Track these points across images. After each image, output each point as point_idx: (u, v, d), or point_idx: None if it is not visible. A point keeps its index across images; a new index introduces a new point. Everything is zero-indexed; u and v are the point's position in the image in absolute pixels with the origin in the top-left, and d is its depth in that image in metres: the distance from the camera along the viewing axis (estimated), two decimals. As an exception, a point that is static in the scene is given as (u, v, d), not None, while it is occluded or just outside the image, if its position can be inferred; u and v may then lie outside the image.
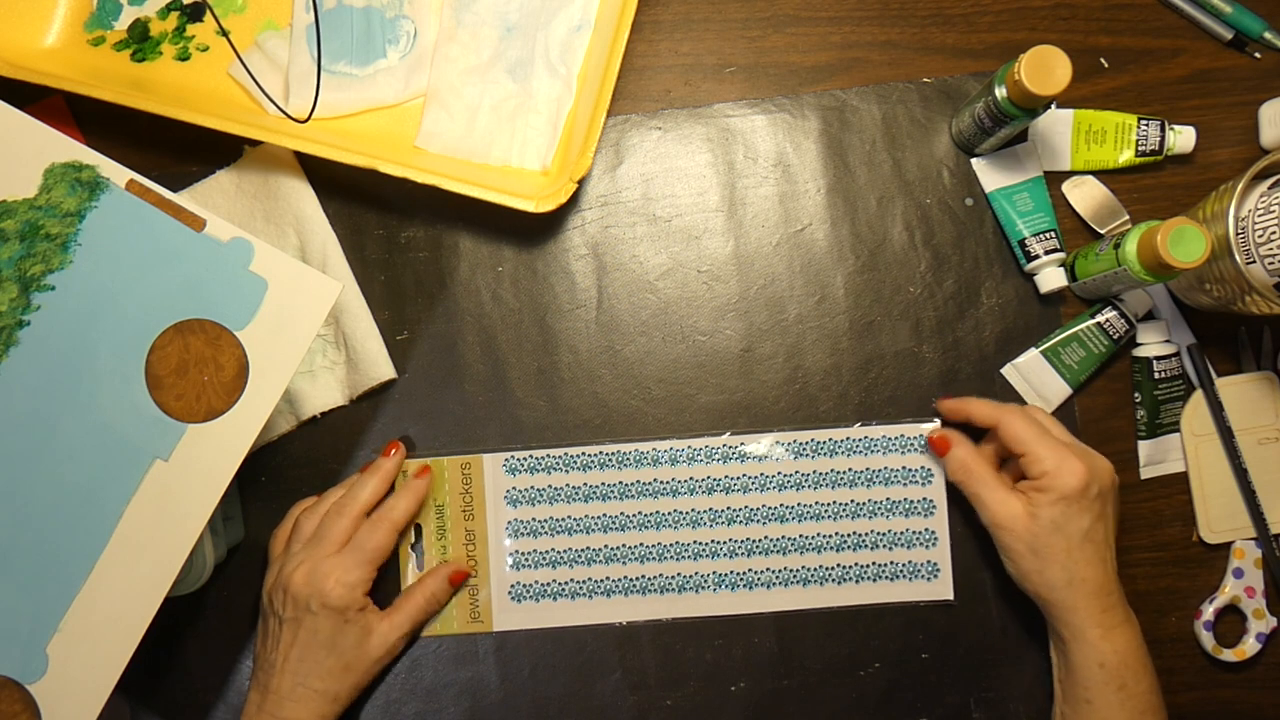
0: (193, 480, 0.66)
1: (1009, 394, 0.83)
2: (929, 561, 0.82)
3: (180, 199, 0.68)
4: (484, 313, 0.84)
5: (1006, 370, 0.83)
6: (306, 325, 0.68)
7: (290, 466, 0.84)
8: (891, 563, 0.82)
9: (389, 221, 0.85)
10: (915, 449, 0.83)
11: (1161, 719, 0.74)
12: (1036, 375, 0.82)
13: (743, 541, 0.83)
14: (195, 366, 0.67)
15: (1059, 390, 0.83)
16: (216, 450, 0.67)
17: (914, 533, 0.82)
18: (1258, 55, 0.85)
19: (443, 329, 0.84)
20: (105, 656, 0.66)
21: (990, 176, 0.84)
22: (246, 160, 0.84)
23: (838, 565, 0.82)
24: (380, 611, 0.79)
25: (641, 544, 0.83)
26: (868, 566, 0.82)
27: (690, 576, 0.83)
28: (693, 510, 0.83)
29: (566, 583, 0.83)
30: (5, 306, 0.66)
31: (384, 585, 0.82)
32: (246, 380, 0.67)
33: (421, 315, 0.85)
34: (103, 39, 0.85)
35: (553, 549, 0.83)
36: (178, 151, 0.85)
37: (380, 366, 0.83)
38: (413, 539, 0.83)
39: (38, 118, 0.68)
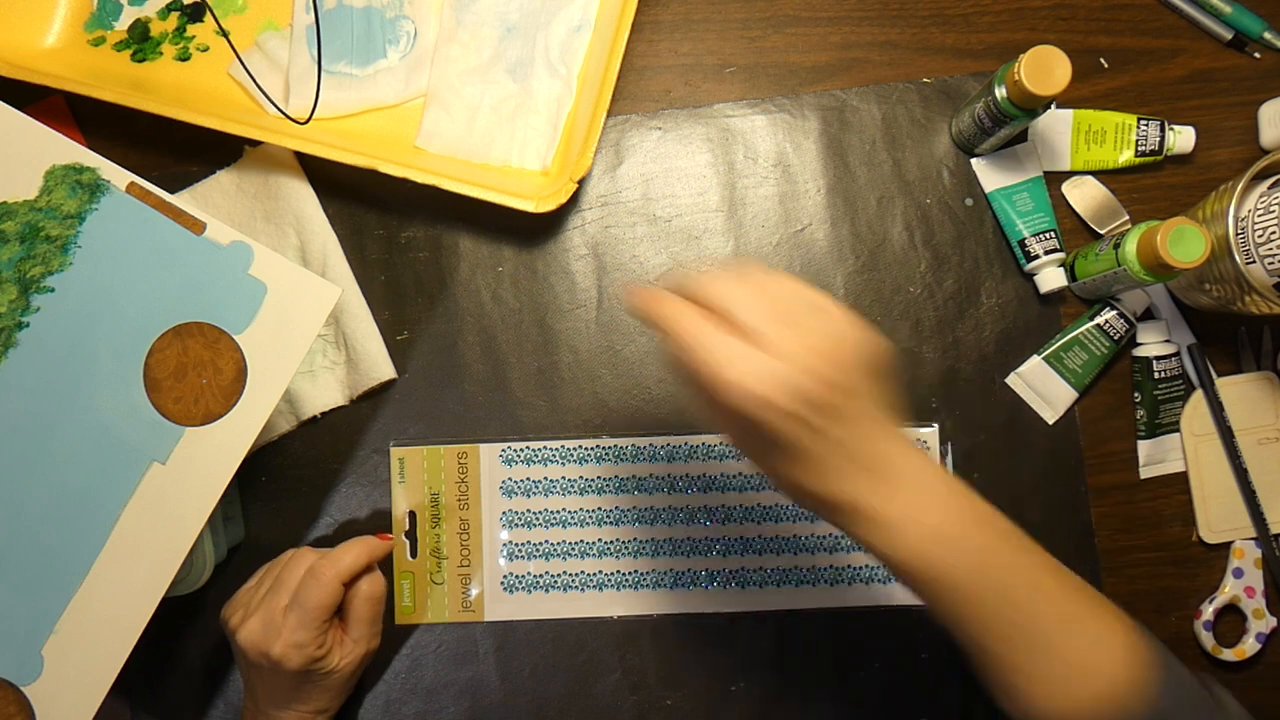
0: (190, 483, 0.67)
1: (1012, 401, 0.83)
2: (926, 563, 0.82)
3: (180, 200, 0.69)
4: (484, 313, 0.85)
5: (1011, 379, 0.83)
6: (305, 329, 0.68)
7: (290, 466, 0.84)
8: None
9: (389, 221, 0.85)
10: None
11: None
12: (1041, 381, 0.82)
13: (737, 540, 0.83)
14: (194, 370, 0.67)
15: (1065, 395, 0.82)
16: (214, 453, 0.67)
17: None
18: (1257, 55, 0.85)
19: (443, 329, 0.84)
20: (101, 658, 0.66)
21: (990, 176, 0.84)
22: (246, 160, 0.84)
23: (830, 567, 0.82)
24: (335, 630, 0.75)
25: (635, 539, 0.83)
26: (860, 569, 0.82)
27: (684, 573, 0.83)
28: (688, 507, 0.83)
29: (560, 575, 0.83)
30: (4, 308, 0.66)
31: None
32: (245, 384, 0.67)
33: (421, 315, 0.85)
34: (103, 39, 0.85)
35: (546, 541, 0.83)
36: (178, 151, 0.85)
37: (380, 366, 0.83)
38: (407, 526, 0.83)
39: (38, 119, 0.69)
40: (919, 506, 0.58)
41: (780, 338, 0.53)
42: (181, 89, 0.85)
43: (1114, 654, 0.58)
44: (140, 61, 0.85)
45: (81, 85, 0.78)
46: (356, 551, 0.74)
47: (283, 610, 0.71)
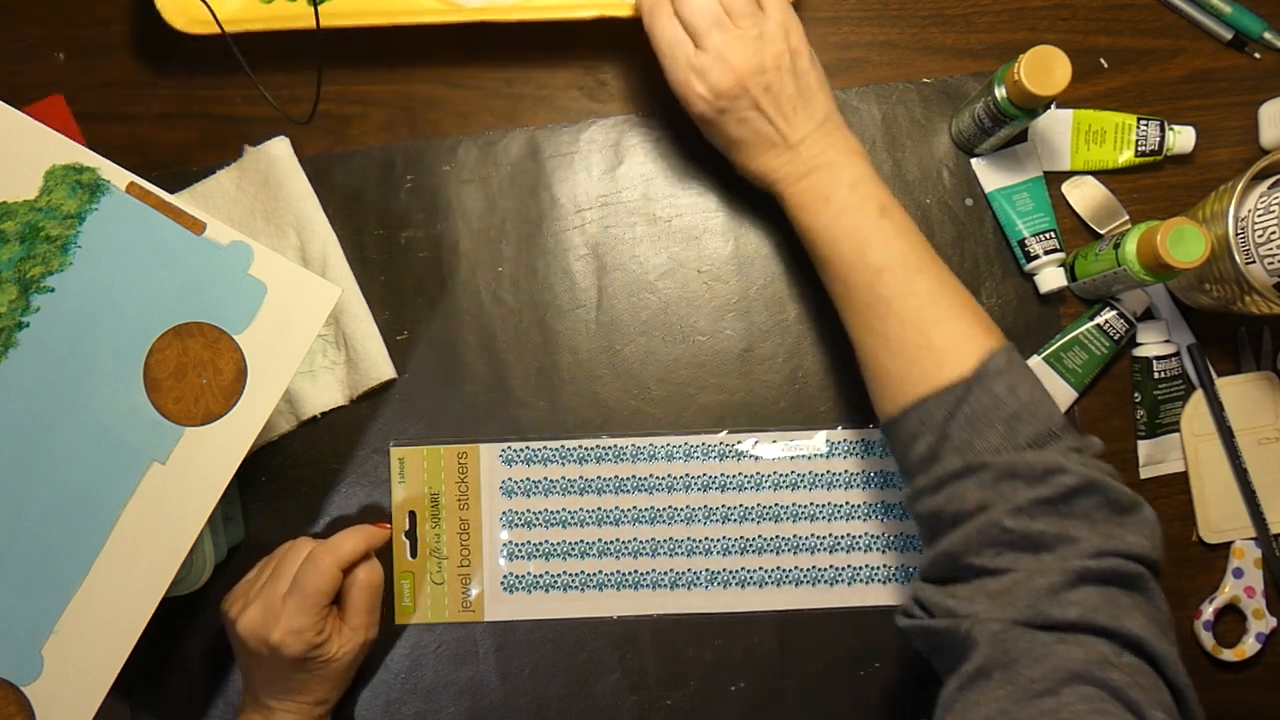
0: (190, 483, 0.67)
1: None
2: (923, 565, 0.83)
3: (180, 200, 0.68)
4: (484, 313, 0.85)
5: (1010, 378, 0.83)
6: (305, 329, 0.68)
7: (290, 466, 0.84)
8: (885, 565, 0.82)
9: (389, 221, 0.85)
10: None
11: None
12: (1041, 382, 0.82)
13: (737, 540, 0.83)
14: (194, 370, 0.67)
15: (1065, 395, 0.82)
16: (214, 453, 0.67)
17: (908, 536, 0.83)
18: (1257, 55, 0.85)
19: (443, 329, 0.84)
20: (101, 658, 0.66)
21: (990, 176, 0.84)
22: (246, 160, 0.84)
23: (830, 567, 0.82)
24: (333, 619, 0.75)
25: (636, 539, 0.83)
26: (860, 569, 0.82)
27: (684, 573, 0.83)
28: (688, 507, 0.83)
29: (560, 575, 0.83)
30: (4, 308, 0.66)
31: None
32: (245, 384, 0.67)
33: (421, 315, 0.85)
34: None
35: (546, 541, 0.83)
36: (178, 151, 0.85)
37: (380, 366, 0.83)
38: (407, 526, 0.83)
39: (38, 119, 0.69)
40: (826, 184, 0.71)
41: (713, 42, 0.71)
42: (367, 11, 0.82)
43: (969, 348, 0.65)
44: (322, 1, 0.81)
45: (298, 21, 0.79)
46: (355, 539, 0.75)
47: (282, 597, 0.72)
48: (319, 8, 0.80)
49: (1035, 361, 0.82)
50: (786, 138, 0.72)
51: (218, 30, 0.78)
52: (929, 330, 0.66)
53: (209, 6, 0.77)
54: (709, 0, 0.71)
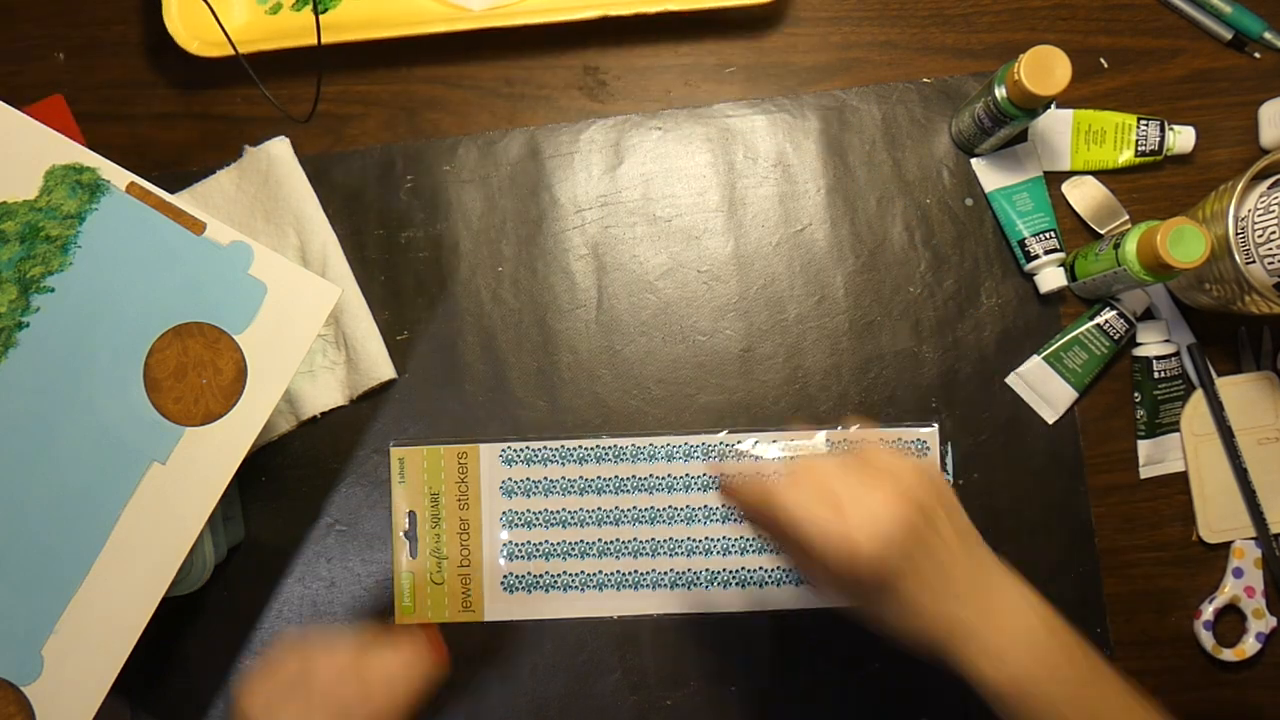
0: (190, 483, 0.67)
1: (1012, 401, 0.83)
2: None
3: (180, 200, 0.69)
4: (484, 313, 0.85)
5: (1011, 379, 0.83)
6: (305, 329, 0.68)
7: (290, 466, 0.84)
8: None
9: (389, 221, 0.85)
10: (911, 452, 0.83)
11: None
12: (1041, 381, 0.82)
13: (737, 540, 0.83)
14: (194, 370, 0.67)
15: (1065, 395, 0.82)
16: (214, 453, 0.67)
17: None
18: (1257, 55, 0.85)
19: (443, 329, 0.85)
20: (101, 658, 0.66)
21: (990, 176, 0.84)
22: (247, 160, 0.84)
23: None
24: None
25: (636, 539, 0.83)
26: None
27: (684, 573, 0.83)
28: (688, 507, 0.83)
29: (559, 575, 0.83)
30: (4, 308, 0.66)
31: (380, 586, 0.82)
32: (245, 384, 0.67)
33: (421, 315, 0.85)
34: (279, 6, 0.86)
35: (546, 541, 0.83)
36: (178, 151, 0.86)
37: (380, 366, 0.83)
38: (406, 526, 0.83)
39: (38, 119, 0.69)
40: (1019, 630, 0.58)
41: (859, 494, 0.56)
42: (375, 21, 0.85)
43: None
44: (325, 11, 0.85)
45: (287, 41, 0.81)
46: (408, 669, 0.69)
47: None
48: (323, 17, 0.81)
49: (1035, 361, 0.82)
50: (959, 575, 0.59)
51: (230, 53, 0.79)
52: None
53: (225, 30, 0.78)
54: (835, 465, 0.59)
